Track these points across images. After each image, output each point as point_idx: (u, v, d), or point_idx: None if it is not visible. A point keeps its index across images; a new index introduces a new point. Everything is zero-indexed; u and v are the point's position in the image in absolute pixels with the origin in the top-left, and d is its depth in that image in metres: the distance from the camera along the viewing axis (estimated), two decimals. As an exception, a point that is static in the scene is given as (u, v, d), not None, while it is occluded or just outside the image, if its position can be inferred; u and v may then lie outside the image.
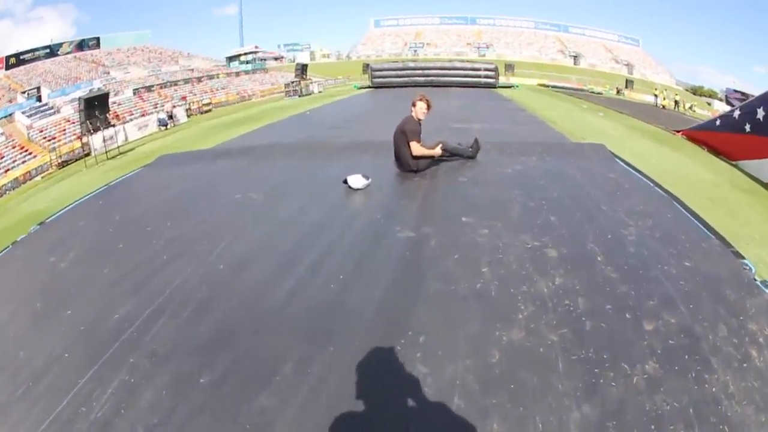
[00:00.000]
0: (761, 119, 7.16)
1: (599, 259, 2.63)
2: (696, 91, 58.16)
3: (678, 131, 10.62)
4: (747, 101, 8.42)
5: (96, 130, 14.70)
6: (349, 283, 2.49)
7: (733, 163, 7.85)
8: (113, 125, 15.20)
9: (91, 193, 5.14)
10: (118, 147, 18.15)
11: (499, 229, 3.06)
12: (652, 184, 4.08)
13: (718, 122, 8.59)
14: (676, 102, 26.88)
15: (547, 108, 12.63)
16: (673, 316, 2.08)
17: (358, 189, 4.06)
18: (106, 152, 15.90)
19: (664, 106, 25.10)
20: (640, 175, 4.36)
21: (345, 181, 4.15)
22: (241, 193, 4.25)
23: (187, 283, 2.62)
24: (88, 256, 3.27)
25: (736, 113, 7.93)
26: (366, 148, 5.71)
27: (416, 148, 4.43)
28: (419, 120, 4.52)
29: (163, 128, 23.46)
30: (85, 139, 16.16)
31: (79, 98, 14.89)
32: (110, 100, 32.84)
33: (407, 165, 4.55)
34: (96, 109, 14.54)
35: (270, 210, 3.89)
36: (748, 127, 7.52)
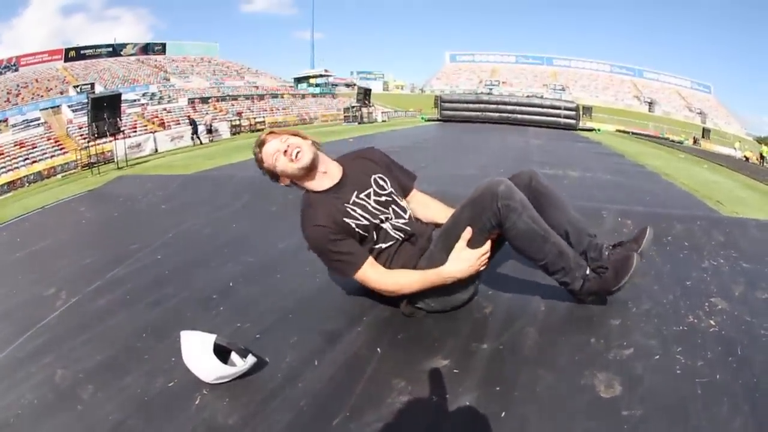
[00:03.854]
0: None
1: None
2: (761, 142, 55.22)
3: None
4: None
5: (101, 135, 12.93)
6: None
7: None
8: (122, 131, 13.34)
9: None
10: (144, 158, 16.46)
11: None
12: None
13: None
14: (762, 156, 26.51)
15: (645, 155, 10.16)
16: None
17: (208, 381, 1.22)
18: (126, 161, 14.16)
19: (746, 158, 24.65)
20: None
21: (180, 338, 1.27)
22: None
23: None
24: None
25: None
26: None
27: (369, 274, 1.45)
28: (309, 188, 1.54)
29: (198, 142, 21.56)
30: (108, 145, 14.40)
31: (88, 96, 13.24)
32: (161, 106, 31.71)
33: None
34: (104, 110, 12.83)
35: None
36: None
